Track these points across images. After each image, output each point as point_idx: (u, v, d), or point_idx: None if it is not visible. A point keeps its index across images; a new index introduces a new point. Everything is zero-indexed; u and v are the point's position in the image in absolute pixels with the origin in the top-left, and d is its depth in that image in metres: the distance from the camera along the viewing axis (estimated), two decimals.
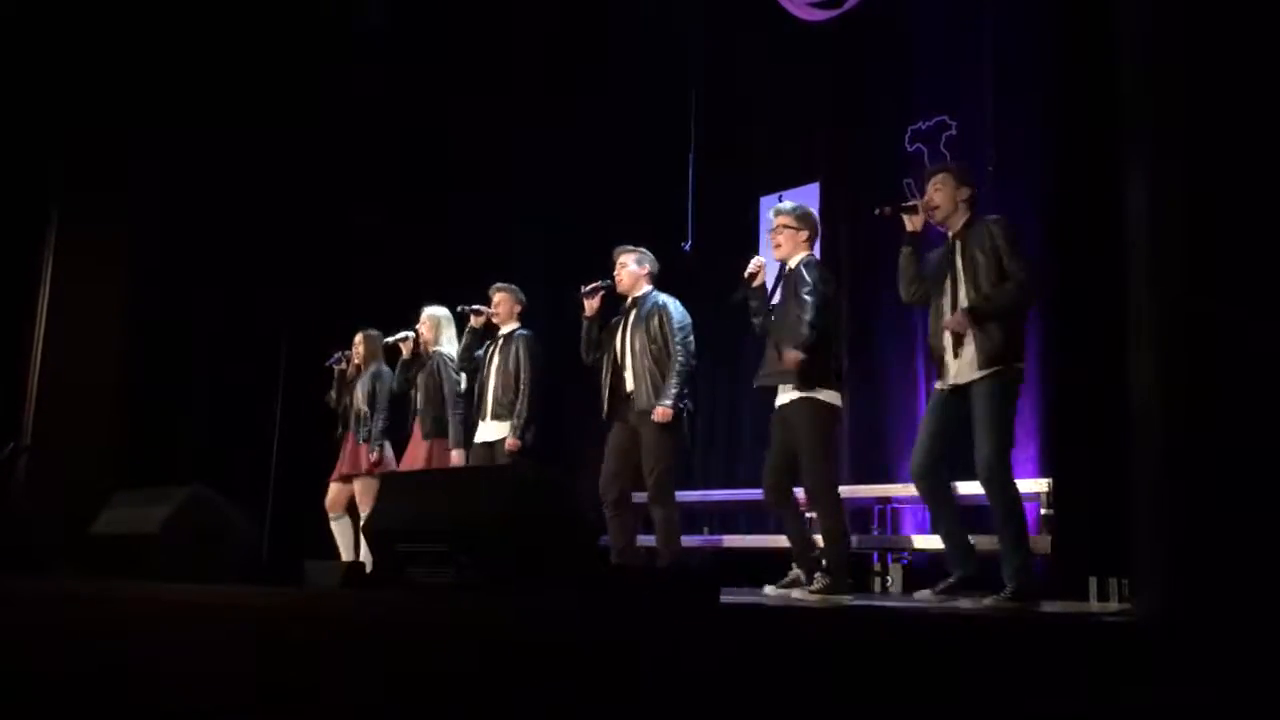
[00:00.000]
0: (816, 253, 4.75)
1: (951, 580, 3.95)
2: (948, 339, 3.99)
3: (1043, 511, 5.15)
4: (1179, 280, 2.90)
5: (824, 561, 4.42)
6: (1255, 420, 2.71)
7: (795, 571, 4.53)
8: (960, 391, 3.95)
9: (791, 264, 4.64)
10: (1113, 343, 3.55)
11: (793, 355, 4.38)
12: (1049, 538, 5.00)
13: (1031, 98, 5.87)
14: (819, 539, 4.55)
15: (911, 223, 4.17)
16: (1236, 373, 2.76)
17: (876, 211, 4.26)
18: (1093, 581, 4.62)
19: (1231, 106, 2.91)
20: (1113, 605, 4.33)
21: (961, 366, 3.95)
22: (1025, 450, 5.65)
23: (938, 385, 4.08)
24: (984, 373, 3.87)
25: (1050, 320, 5.33)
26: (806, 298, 4.45)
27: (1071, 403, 4.99)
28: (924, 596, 4.00)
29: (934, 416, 4.05)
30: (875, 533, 6.04)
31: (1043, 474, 5.40)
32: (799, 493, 4.67)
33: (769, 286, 4.74)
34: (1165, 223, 3.00)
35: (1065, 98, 5.25)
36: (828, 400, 4.44)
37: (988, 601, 3.75)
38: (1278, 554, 2.59)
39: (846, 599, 4.20)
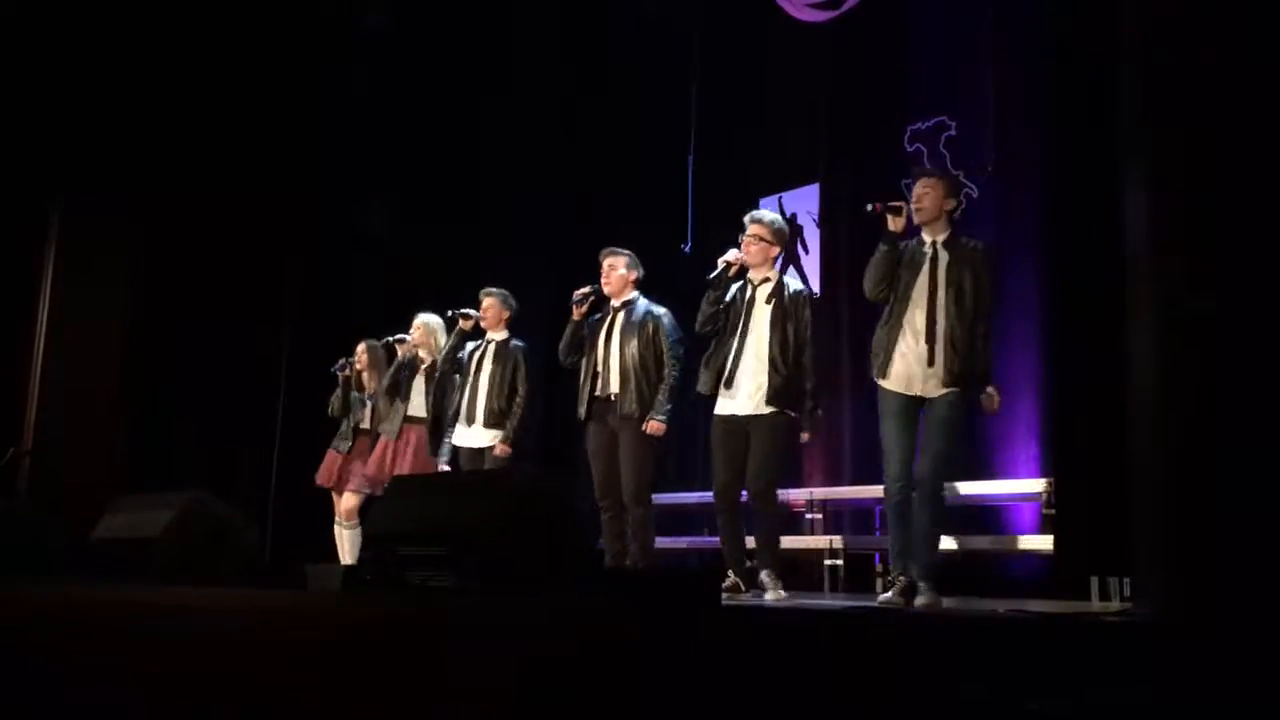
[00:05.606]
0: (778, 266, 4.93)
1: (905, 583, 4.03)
2: (907, 347, 4.07)
3: (1043, 511, 5.14)
4: (1178, 280, 2.90)
5: (768, 561, 4.58)
6: (1255, 419, 2.70)
7: (733, 578, 4.62)
8: (921, 402, 4.08)
9: (771, 276, 4.76)
10: (1113, 342, 3.56)
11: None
12: (1050, 537, 5.00)
13: (1031, 98, 5.86)
14: (751, 541, 4.69)
15: (894, 223, 4.20)
16: (1236, 373, 2.76)
17: (869, 208, 4.29)
18: (1094, 581, 4.62)
19: (1230, 107, 2.91)
20: (1114, 605, 4.33)
21: (927, 379, 4.03)
22: (1025, 450, 5.64)
23: (885, 385, 4.13)
24: (947, 390, 4.01)
25: (1050, 319, 5.31)
26: (805, 342, 4.67)
27: (1072, 402, 4.98)
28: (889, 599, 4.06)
29: (905, 431, 4.09)
30: (877, 534, 6.03)
31: (1043, 473, 5.39)
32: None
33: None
34: (1164, 222, 3.00)
35: (1065, 98, 5.24)
36: (793, 414, 4.65)
37: (922, 600, 3.88)
38: (1278, 552, 2.59)
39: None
